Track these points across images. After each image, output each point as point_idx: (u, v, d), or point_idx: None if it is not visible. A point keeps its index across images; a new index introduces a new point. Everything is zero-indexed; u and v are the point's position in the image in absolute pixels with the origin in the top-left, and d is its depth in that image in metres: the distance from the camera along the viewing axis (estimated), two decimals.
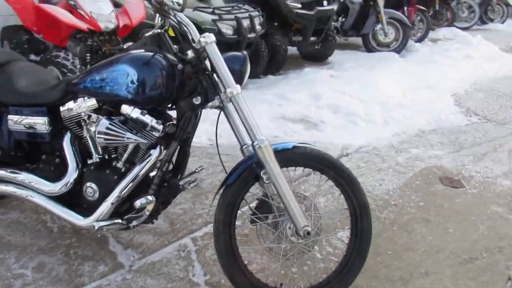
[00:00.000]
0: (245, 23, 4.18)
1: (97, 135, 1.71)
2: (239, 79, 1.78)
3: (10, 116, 1.96)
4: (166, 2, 1.58)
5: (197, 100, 1.73)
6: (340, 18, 6.38)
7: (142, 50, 1.77)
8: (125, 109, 1.75)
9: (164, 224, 2.32)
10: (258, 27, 4.35)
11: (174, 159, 1.97)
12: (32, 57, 4.00)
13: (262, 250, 1.95)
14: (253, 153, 1.68)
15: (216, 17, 4.01)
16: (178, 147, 1.91)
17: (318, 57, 5.85)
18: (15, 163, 2.07)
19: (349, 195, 1.82)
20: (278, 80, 4.88)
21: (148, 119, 1.75)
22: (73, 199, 1.91)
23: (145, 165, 1.79)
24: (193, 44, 1.68)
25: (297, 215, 1.69)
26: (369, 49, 6.41)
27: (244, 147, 1.76)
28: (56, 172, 1.93)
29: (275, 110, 3.97)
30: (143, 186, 1.83)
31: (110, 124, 1.71)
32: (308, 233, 1.69)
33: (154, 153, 1.80)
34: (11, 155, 2.09)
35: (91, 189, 1.84)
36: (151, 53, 1.73)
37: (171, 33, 2.14)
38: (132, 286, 1.89)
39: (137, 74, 1.69)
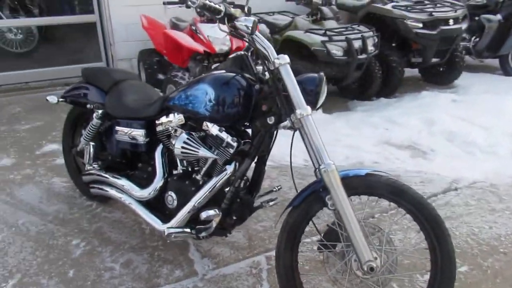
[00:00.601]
0: (357, 44, 4.07)
1: (175, 148, 1.86)
2: (313, 101, 1.76)
3: (117, 127, 2.26)
4: (238, 26, 1.65)
5: (270, 120, 1.75)
6: (473, 38, 5.76)
7: (224, 71, 1.87)
8: (205, 125, 1.87)
9: (242, 239, 2.37)
10: (370, 48, 4.20)
11: (250, 176, 2.04)
12: (160, 76, 4.53)
13: (330, 280, 1.84)
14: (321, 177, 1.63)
15: (326, 38, 3.99)
16: (254, 164, 1.96)
17: (441, 80, 5.33)
18: (119, 169, 2.36)
19: (429, 233, 1.63)
20: (390, 103, 4.60)
21: (224, 135, 1.83)
22: (158, 205, 2.10)
23: (220, 179, 1.87)
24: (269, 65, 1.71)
25: (362, 247, 1.58)
26: (507, 72, 5.62)
27: (317, 169, 1.71)
28: (147, 180, 2.14)
29: (381, 134, 3.75)
30: (218, 200, 1.91)
31: (187, 138, 1.84)
32: (372, 268, 1.56)
33: (229, 168, 1.87)
34: (117, 161, 2.39)
35: (171, 197, 1.99)
36: (231, 74, 1.82)
37: None
38: None
39: (215, 93, 1.79)
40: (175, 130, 1.98)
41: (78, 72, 5.38)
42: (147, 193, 2.08)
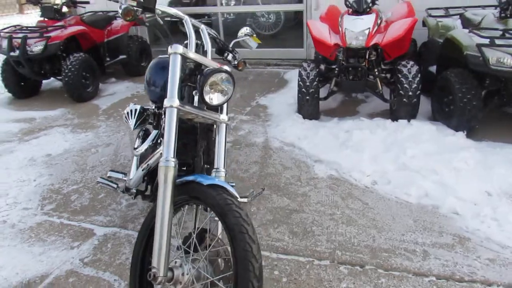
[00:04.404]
0: None
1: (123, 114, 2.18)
2: (199, 94, 1.69)
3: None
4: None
5: None
6: None
7: (166, 56, 2.00)
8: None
9: None
10: None
11: None
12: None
13: None
14: None
15: (486, 41, 2.95)
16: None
17: None
18: None
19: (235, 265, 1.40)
20: None
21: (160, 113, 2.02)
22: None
23: (155, 154, 2.07)
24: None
25: (156, 250, 1.50)
26: None
27: None
28: None
29: None
30: None
31: (130, 110, 2.14)
32: (150, 275, 1.47)
33: None
34: None
35: (136, 159, 2.33)
36: (166, 59, 1.95)
37: (256, 40, 2.19)
38: None
39: (149, 76, 1.99)
40: None
41: (294, 55, 5.86)
42: (139, 150, 2.48)
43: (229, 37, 7.33)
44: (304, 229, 2.36)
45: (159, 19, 1.86)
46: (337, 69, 3.75)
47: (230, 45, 2.16)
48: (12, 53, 4.51)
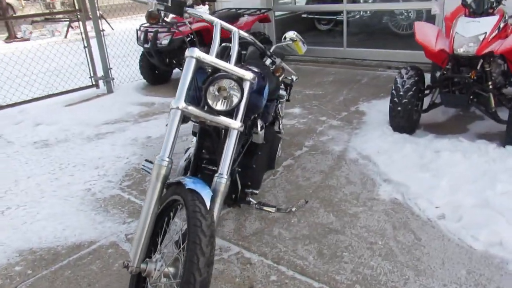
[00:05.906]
0: None
1: None
2: (200, 97, 1.72)
3: None
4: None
5: None
6: None
7: None
8: None
9: None
10: None
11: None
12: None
13: None
14: None
15: None
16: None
17: None
18: None
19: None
20: None
21: None
22: None
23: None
24: None
25: (135, 243, 1.61)
26: None
27: None
28: None
29: None
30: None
31: None
32: (124, 263, 1.59)
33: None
34: None
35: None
36: None
37: (299, 47, 2.13)
38: None
39: None
40: None
41: (421, 58, 5.30)
42: (189, 145, 2.62)
43: (352, 37, 7.04)
44: (334, 253, 2.18)
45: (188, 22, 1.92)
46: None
47: (271, 50, 2.10)
48: (145, 45, 5.19)
